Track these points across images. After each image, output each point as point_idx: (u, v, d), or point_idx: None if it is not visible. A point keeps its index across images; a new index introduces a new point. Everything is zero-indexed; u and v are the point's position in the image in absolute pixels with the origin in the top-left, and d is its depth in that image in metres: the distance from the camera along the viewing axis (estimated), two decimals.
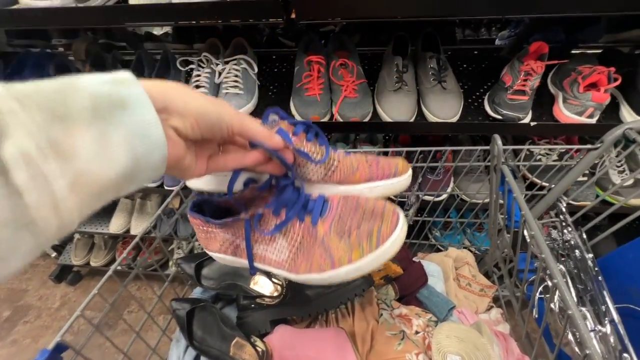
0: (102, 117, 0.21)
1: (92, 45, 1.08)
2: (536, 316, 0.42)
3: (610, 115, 0.78)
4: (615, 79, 0.69)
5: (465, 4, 0.59)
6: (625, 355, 0.39)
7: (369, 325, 0.55)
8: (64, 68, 1.00)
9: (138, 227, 1.22)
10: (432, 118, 0.77)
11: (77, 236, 1.44)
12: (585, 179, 0.87)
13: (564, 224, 0.55)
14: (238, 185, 0.39)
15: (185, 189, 0.70)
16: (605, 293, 0.44)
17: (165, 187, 1.02)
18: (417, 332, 0.55)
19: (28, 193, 0.17)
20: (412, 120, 0.78)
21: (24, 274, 1.56)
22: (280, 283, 0.57)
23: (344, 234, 0.36)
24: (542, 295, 0.44)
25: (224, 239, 0.40)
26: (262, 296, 0.57)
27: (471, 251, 0.75)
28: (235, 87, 0.84)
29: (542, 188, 0.73)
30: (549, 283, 0.36)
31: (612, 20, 1.00)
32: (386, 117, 0.78)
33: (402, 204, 0.82)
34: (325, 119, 0.80)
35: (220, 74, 0.86)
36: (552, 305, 0.36)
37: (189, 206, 0.41)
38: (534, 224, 0.37)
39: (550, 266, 0.34)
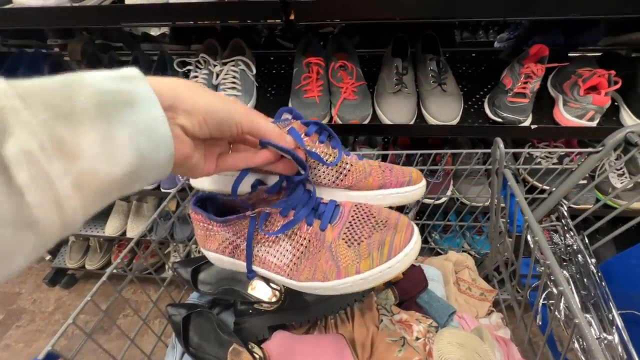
0: (107, 115, 0.20)
1: (88, 45, 1.06)
2: (539, 323, 0.41)
3: (610, 118, 0.78)
4: (616, 82, 0.69)
5: (464, 6, 0.58)
6: None
7: (369, 331, 0.54)
8: (59, 68, 0.99)
9: (134, 230, 1.21)
10: (432, 121, 0.76)
11: (72, 239, 1.42)
12: (585, 182, 0.87)
13: (565, 228, 0.55)
14: (246, 188, 0.38)
15: (182, 191, 0.69)
16: (609, 299, 0.44)
17: (162, 190, 1.01)
18: (417, 339, 0.54)
19: (30, 192, 0.17)
20: (412, 122, 0.77)
21: (17, 277, 1.54)
22: (278, 288, 0.56)
23: (353, 242, 0.34)
24: (545, 302, 0.43)
25: (224, 238, 0.38)
26: (260, 302, 0.56)
27: (471, 255, 0.75)
28: (233, 88, 0.83)
29: (542, 191, 0.73)
30: (554, 290, 0.35)
31: (611, 23, 1.00)
32: (386, 120, 0.77)
33: (401, 207, 0.82)
34: (324, 121, 0.79)
35: (218, 75, 0.85)
36: (556, 314, 0.35)
37: (192, 201, 0.40)
38: (539, 230, 0.37)
39: (556, 273, 0.33)
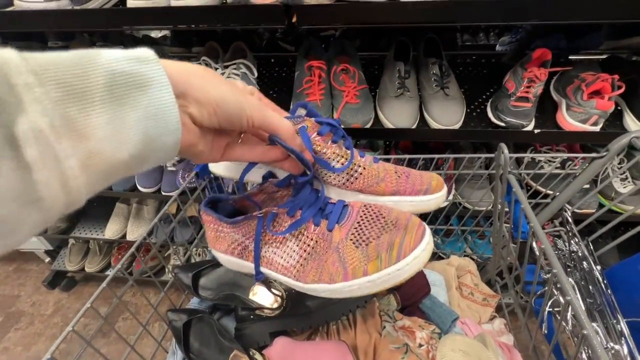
0: (119, 97, 0.20)
1: (89, 47, 1.06)
2: (545, 332, 0.41)
3: (614, 123, 0.77)
4: (619, 87, 0.69)
5: (466, 11, 0.58)
6: None
7: (371, 338, 0.53)
8: None
9: (134, 233, 1.20)
10: (434, 125, 0.76)
11: (71, 241, 1.42)
12: (588, 186, 0.86)
13: (570, 234, 0.54)
14: (257, 178, 0.38)
15: (183, 194, 0.68)
16: (614, 307, 0.43)
17: (163, 193, 1.00)
18: (420, 345, 0.54)
19: (38, 170, 0.17)
20: (414, 126, 0.77)
21: (16, 280, 1.53)
22: (280, 294, 0.56)
23: (361, 243, 0.33)
24: (550, 309, 0.43)
25: (233, 239, 0.38)
26: (261, 307, 0.55)
27: (473, 259, 0.74)
28: None
29: (545, 196, 0.72)
30: (561, 299, 0.35)
31: (612, 27, 1.00)
32: (388, 124, 0.77)
33: None
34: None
35: None
36: (563, 324, 0.35)
37: (203, 202, 0.40)
38: (544, 237, 0.36)
39: (563, 282, 0.32)
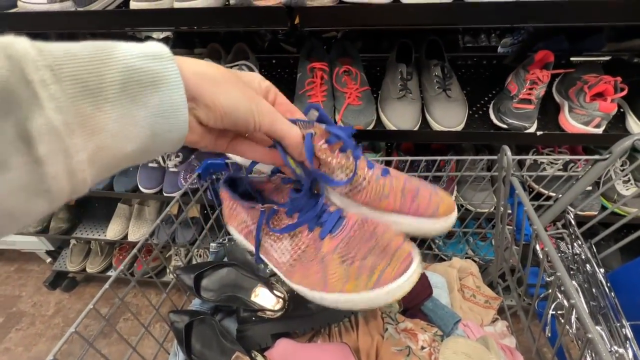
0: (132, 94, 0.20)
1: None
2: (549, 335, 0.41)
3: (616, 125, 0.77)
4: (622, 89, 0.69)
5: (468, 14, 0.58)
6: None
7: (373, 340, 0.53)
8: None
9: (136, 233, 1.20)
10: (436, 126, 0.76)
11: (73, 242, 1.42)
12: (590, 188, 0.86)
13: (573, 236, 0.54)
14: (267, 170, 0.40)
15: (184, 195, 0.68)
16: (618, 311, 0.43)
17: (164, 194, 1.00)
18: (423, 348, 0.54)
19: (49, 164, 0.17)
20: (416, 128, 0.77)
21: (17, 280, 1.54)
22: (282, 296, 0.56)
23: (347, 259, 0.33)
24: (554, 312, 0.42)
25: (243, 219, 0.40)
26: (263, 309, 0.55)
27: (475, 261, 0.74)
28: None
29: (547, 198, 0.72)
30: (565, 302, 0.35)
31: (614, 30, 1.00)
32: (390, 125, 0.77)
33: None
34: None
35: None
36: (567, 327, 0.35)
37: (223, 178, 0.42)
38: (548, 241, 0.36)
39: (567, 285, 0.32)
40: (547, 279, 0.46)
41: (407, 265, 0.31)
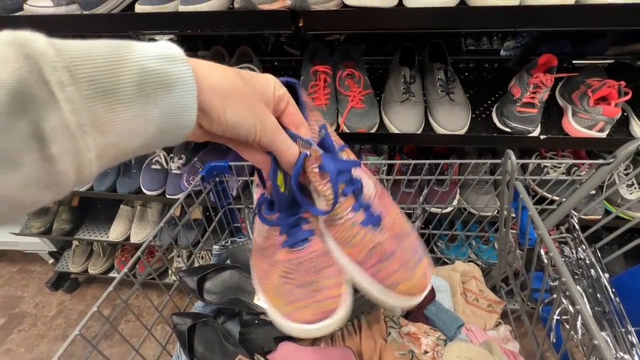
0: (145, 95, 0.21)
1: None
2: (554, 340, 0.41)
3: (620, 129, 0.77)
4: (626, 93, 0.69)
5: (471, 18, 0.58)
6: None
7: (376, 344, 0.53)
8: None
9: (138, 235, 1.20)
10: (439, 130, 0.76)
11: (75, 243, 1.42)
12: (594, 192, 0.86)
13: (577, 241, 0.54)
14: None
15: (187, 197, 0.69)
16: (623, 316, 0.43)
17: (167, 196, 1.00)
18: (426, 352, 0.53)
19: (60, 162, 0.18)
20: (419, 131, 0.77)
21: (20, 281, 1.54)
22: None
23: (286, 278, 0.35)
24: (559, 317, 0.42)
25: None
26: (266, 312, 0.55)
27: (477, 264, 0.74)
28: None
29: (551, 202, 0.72)
30: (570, 308, 0.35)
31: (617, 33, 1.00)
32: (393, 129, 0.77)
33: (408, 216, 0.81)
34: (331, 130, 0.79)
35: None
36: (572, 333, 0.34)
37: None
38: (553, 246, 0.36)
39: (572, 291, 0.32)
40: (552, 283, 0.46)
41: (320, 318, 0.32)
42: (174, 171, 1.02)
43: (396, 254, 0.34)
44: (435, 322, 0.61)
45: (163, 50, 0.22)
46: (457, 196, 0.87)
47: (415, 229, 0.80)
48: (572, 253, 0.54)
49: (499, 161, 0.57)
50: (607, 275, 0.48)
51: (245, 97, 0.27)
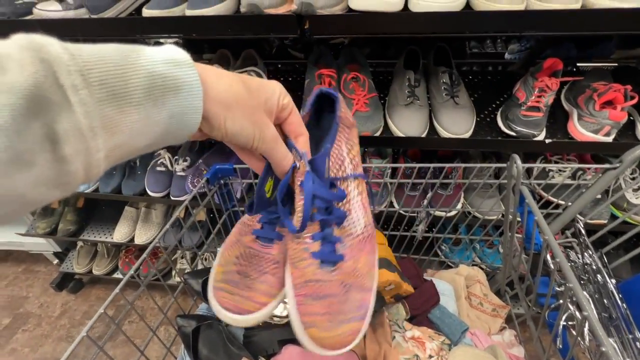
0: (154, 98, 0.21)
1: None
2: (560, 346, 0.40)
3: (626, 133, 0.76)
4: (632, 97, 0.68)
5: (477, 21, 0.58)
6: None
7: (381, 348, 0.53)
8: None
9: (142, 236, 1.21)
10: (444, 133, 0.76)
11: (80, 244, 1.43)
12: (600, 196, 0.85)
13: (583, 245, 0.53)
14: None
15: (194, 199, 0.69)
16: (630, 322, 0.42)
17: (172, 197, 1.01)
18: (430, 356, 0.53)
19: (71, 163, 0.18)
20: (423, 135, 0.77)
21: (25, 281, 1.55)
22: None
23: (237, 259, 0.38)
24: (565, 323, 0.42)
25: None
26: (270, 315, 0.55)
27: (481, 268, 0.73)
28: None
29: (556, 206, 0.72)
30: (577, 314, 0.34)
31: (623, 36, 0.99)
32: (398, 132, 0.77)
33: (412, 219, 0.81)
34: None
35: None
36: (579, 339, 0.34)
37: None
38: (560, 252, 0.36)
39: (579, 297, 0.32)
40: (557, 288, 0.46)
41: (232, 310, 0.34)
42: (178, 173, 1.02)
43: (329, 300, 0.32)
44: (439, 326, 0.61)
45: (171, 55, 0.23)
46: (462, 200, 0.87)
47: (419, 232, 0.80)
48: (578, 258, 0.54)
49: (503, 165, 0.57)
50: (613, 280, 0.48)
51: (247, 107, 0.27)
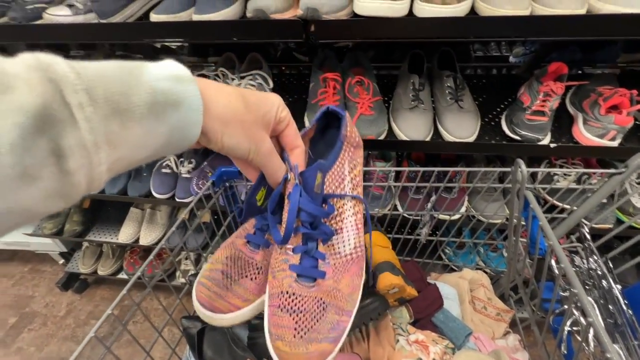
0: (156, 113, 0.22)
1: (110, 57, 1.09)
2: (565, 352, 0.40)
3: (631, 138, 0.76)
4: (638, 102, 0.68)
5: (482, 26, 0.59)
6: None
7: (384, 351, 0.53)
8: None
9: (147, 237, 1.22)
10: (448, 137, 0.76)
11: (85, 244, 1.44)
12: (605, 201, 0.85)
13: (588, 250, 0.53)
14: None
15: (199, 201, 0.70)
16: (635, 328, 0.42)
17: (177, 199, 1.02)
18: None
19: (75, 175, 0.19)
20: (428, 139, 0.77)
21: (31, 280, 1.57)
22: None
23: (225, 260, 0.40)
24: (570, 328, 0.42)
25: None
26: None
27: (486, 272, 0.73)
28: None
29: (561, 211, 0.71)
30: (582, 320, 0.34)
31: (629, 41, 0.99)
32: (402, 136, 0.77)
33: (416, 223, 0.81)
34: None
35: None
36: (584, 344, 0.34)
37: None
38: (564, 256, 0.36)
39: (584, 303, 0.32)
40: (562, 293, 0.46)
41: (207, 307, 0.36)
42: (183, 175, 1.03)
43: (300, 315, 0.31)
44: (443, 330, 0.61)
45: (172, 71, 0.23)
46: (466, 203, 0.87)
47: (423, 235, 0.80)
48: (583, 263, 0.54)
49: (508, 169, 0.57)
50: (619, 286, 0.48)
51: (244, 123, 0.28)
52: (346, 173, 0.37)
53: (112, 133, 0.20)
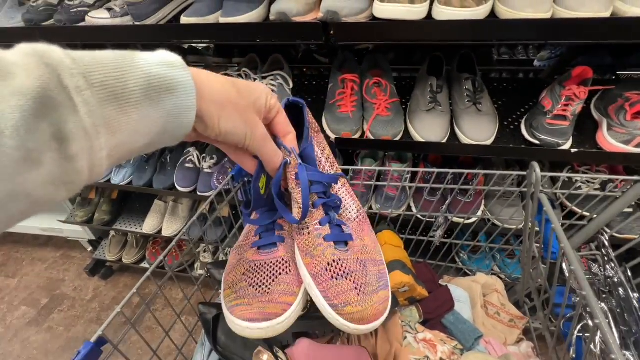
0: (151, 98, 0.23)
1: None
2: (573, 356, 0.40)
3: None
4: None
5: (503, 29, 0.58)
6: None
7: (392, 347, 0.54)
8: None
9: (169, 229, 1.28)
10: (465, 140, 0.76)
11: (112, 233, 1.53)
12: (631, 210, 0.82)
13: (606, 258, 0.52)
14: None
15: (219, 195, 0.73)
16: None
17: (198, 193, 1.06)
18: (441, 359, 0.54)
19: (77, 161, 0.19)
20: (444, 141, 0.77)
21: (62, 265, 1.67)
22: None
23: (245, 274, 0.39)
24: (581, 334, 0.42)
25: None
26: None
27: (501, 278, 0.72)
28: None
29: (582, 217, 0.70)
30: (590, 323, 0.34)
31: None
32: (418, 137, 0.78)
33: (430, 224, 0.81)
34: (357, 136, 0.81)
35: None
36: (592, 347, 0.34)
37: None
38: (574, 259, 0.36)
39: (592, 305, 0.32)
40: (575, 299, 0.45)
41: (258, 319, 0.35)
42: (205, 170, 1.08)
43: (353, 275, 0.33)
44: (452, 332, 0.61)
45: (164, 58, 0.25)
46: (482, 207, 0.86)
47: (437, 237, 0.80)
48: (601, 271, 0.53)
49: (524, 173, 0.56)
50: (636, 295, 0.46)
51: (239, 107, 0.29)
52: (320, 154, 0.40)
53: (110, 117, 0.20)
